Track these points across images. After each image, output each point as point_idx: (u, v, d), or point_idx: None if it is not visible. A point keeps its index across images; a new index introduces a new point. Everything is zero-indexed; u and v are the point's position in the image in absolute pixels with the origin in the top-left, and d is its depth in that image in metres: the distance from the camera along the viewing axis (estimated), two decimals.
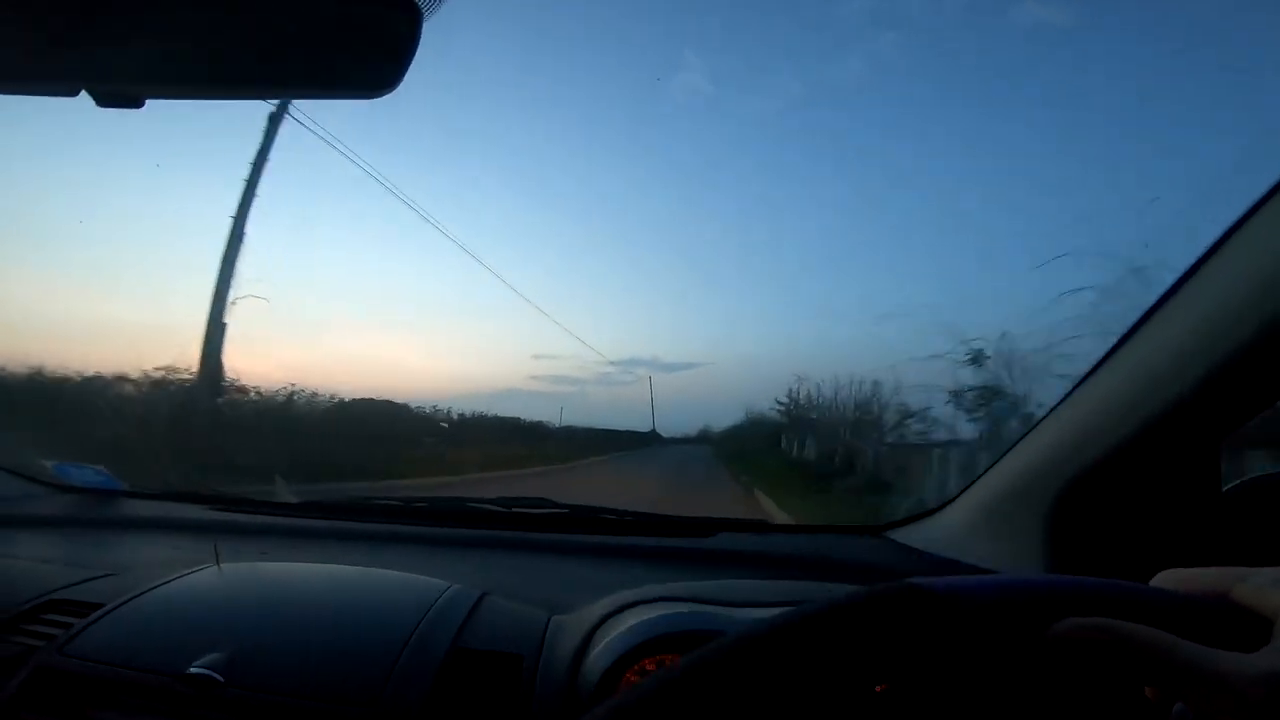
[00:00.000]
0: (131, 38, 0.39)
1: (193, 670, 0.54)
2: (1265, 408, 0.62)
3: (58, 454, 1.18)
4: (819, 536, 1.05)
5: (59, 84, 0.41)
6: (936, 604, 0.26)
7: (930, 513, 0.97)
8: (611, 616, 0.64)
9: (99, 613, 0.62)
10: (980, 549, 0.84)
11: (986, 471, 0.87)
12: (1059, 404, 0.76)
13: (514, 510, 1.08)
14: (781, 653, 0.25)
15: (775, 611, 0.63)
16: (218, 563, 0.73)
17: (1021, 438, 0.82)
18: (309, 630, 0.61)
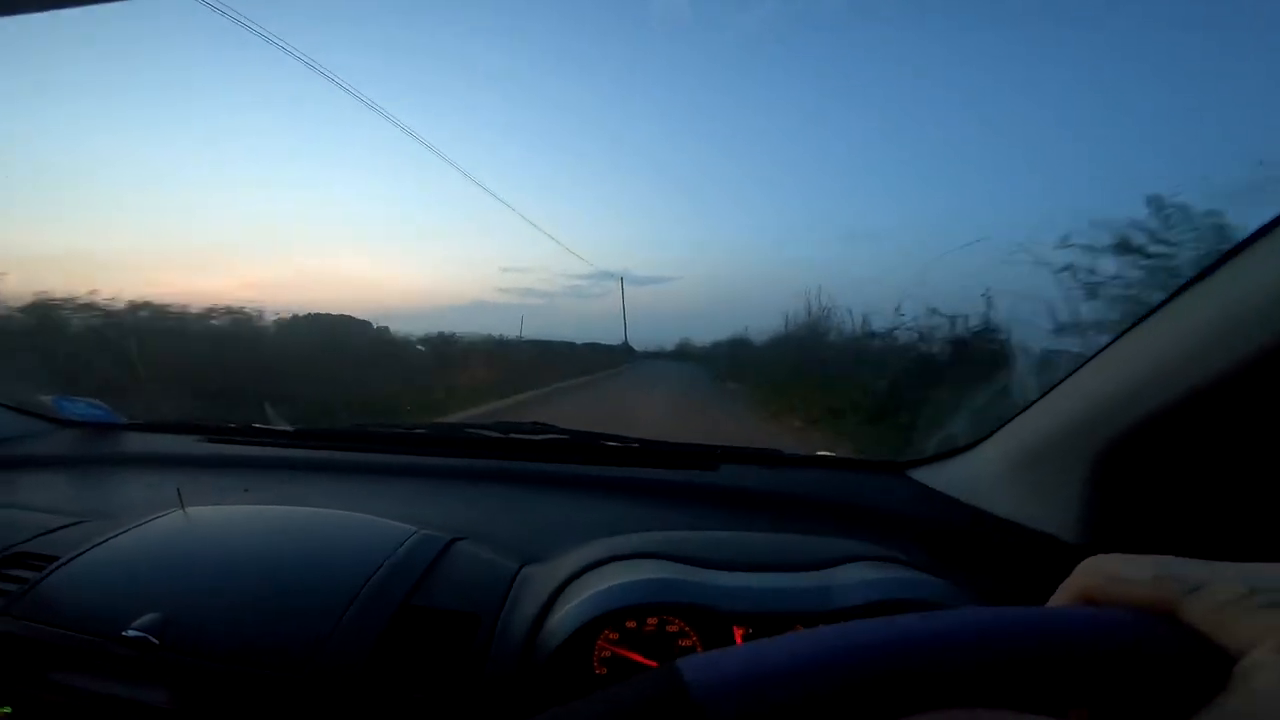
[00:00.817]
0: None
1: (128, 633, 0.51)
2: None
3: (56, 389, 1.17)
4: (834, 472, 0.98)
5: None
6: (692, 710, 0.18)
7: (957, 451, 0.89)
8: (583, 573, 0.59)
9: (52, 567, 0.60)
10: (1007, 500, 0.77)
11: (1024, 411, 0.78)
12: (1114, 341, 0.67)
13: (510, 436, 1.03)
14: None
15: (759, 578, 0.57)
16: (182, 507, 0.71)
17: (1066, 377, 0.72)
18: (256, 585, 0.58)
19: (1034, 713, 0.18)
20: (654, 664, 0.52)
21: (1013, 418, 0.79)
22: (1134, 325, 0.64)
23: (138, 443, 1.10)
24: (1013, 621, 0.20)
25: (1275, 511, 0.60)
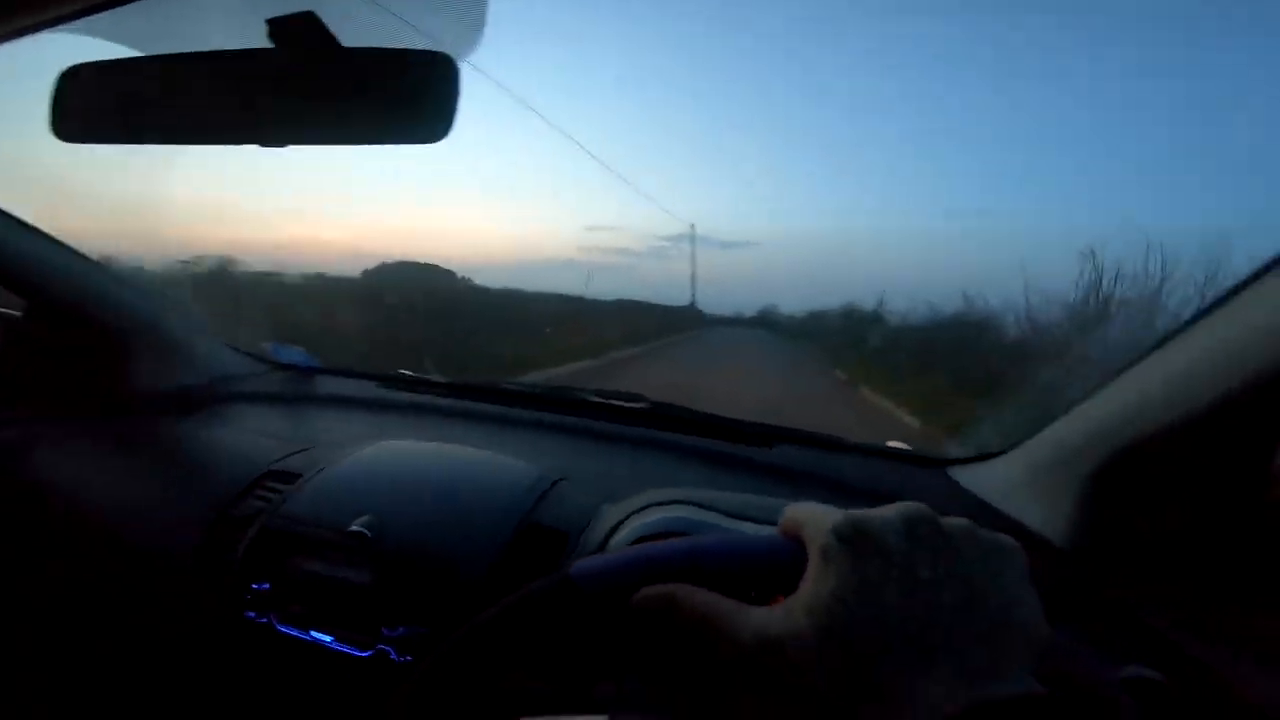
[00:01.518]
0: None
1: (352, 529, 0.78)
2: None
3: (265, 336, 1.54)
4: (882, 462, 1.12)
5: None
6: (571, 591, 0.34)
7: (994, 455, 0.98)
8: (642, 510, 0.81)
9: (298, 483, 0.89)
10: (1023, 504, 0.87)
11: (1052, 423, 0.86)
12: (1130, 366, 0.75)
13: (609, 402, 1.28)
14: (475, 652, 0.34)
15: (758, 528, 0.76)
16: (379, 442, 1.00)
17: (1089, 394, 0.80)
18: (433, 499, 0.85)
19: (743, 595, 0.34)
20: None
21: (1044, 428, 0.88)
22: (1150, 351, 0.73)
23: (330, 385, 1.43)
24: (737, 540, 0.37)
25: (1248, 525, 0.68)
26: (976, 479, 0.99)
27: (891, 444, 1.17)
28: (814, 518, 0.34)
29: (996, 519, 0.89)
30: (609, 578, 0.35)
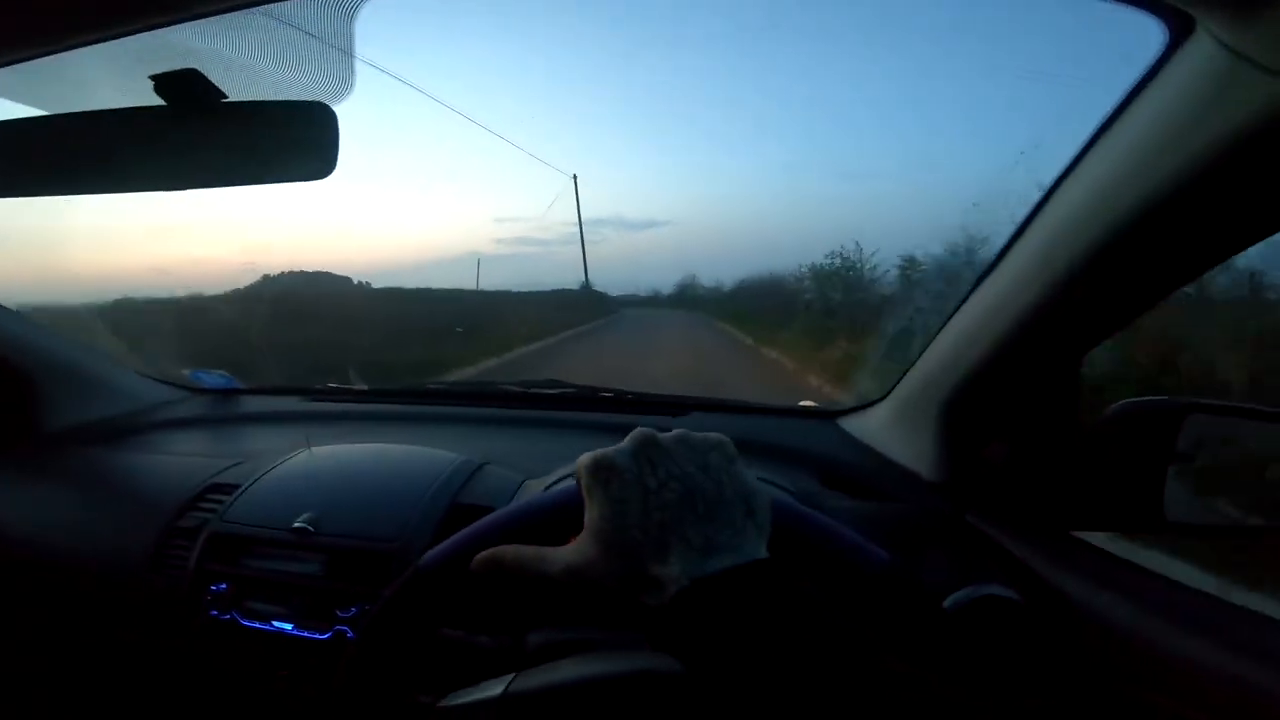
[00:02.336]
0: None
1: (295, 525, 0.85)
2: (1111, 331, 0.69)
3: (188, 363, 1.55)
4: (782, 420, 1.22)
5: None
6: (424, 577, 0.46)
7: (873, 403, 1.10)
8: (562, 479, 0.90)
9: (238, 492, 0.95)
10: (896, 444, 0.98)
11: (911, 367, 0.96)
12: (958, 307, 0.83)
13: (530, 392, 1.36)
14: (378, 639, 0.47)
15: None
16: (309, 448, 1.05)
17: (936, 335, 0.89)
18: (363, 493, 0.92)
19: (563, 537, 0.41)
20: None
21: (906, 372, 0.98)
22: (962, 300, 0.82)
23: (255, 403, 1.46)
24: (536, 499, 0.48)
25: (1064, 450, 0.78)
26: (860, 426, 1.11)
27: (778, 404, 1.29)
28: (579, 464, 0.42)
29: (877, 460, 1.01)
30: (448, 559, 0.45)
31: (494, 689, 0.55)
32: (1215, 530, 0.75)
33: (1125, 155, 0.55)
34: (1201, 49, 0.46)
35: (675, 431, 0.42)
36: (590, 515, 0.39)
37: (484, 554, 0.42)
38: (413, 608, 0.46)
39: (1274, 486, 0.82)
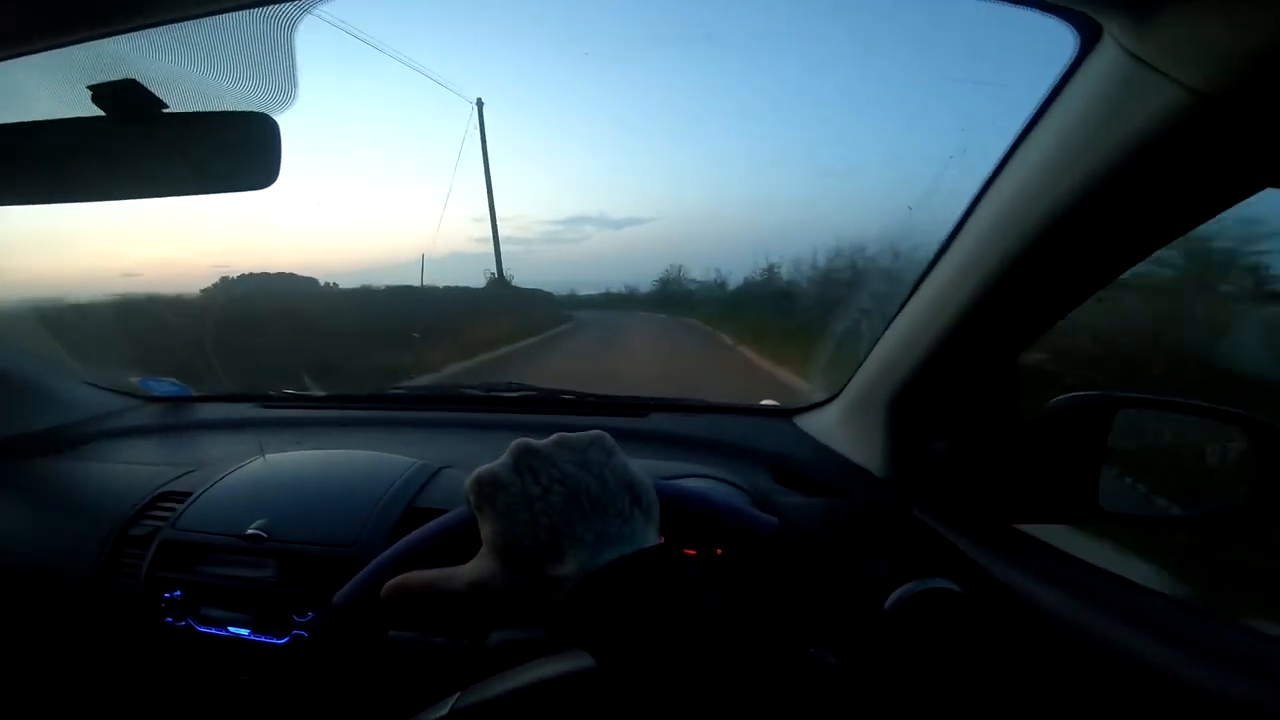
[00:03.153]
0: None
1: (249, 531, 0.85)
2: (1043, 329, 0.71)
3: (137, 370, 1.51)
4: (741, 418, 1.24)
5: None
6: (339, 613, 0.47)
7: (827, 401, 1.11)
8: None
9: (190, 499, 0.94)
10: (847, 441, 1.00)
11: (860, 365, 0.98)
12: (900, 308, 0.85)
13: (491, 394, 1.36)
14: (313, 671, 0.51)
15: None
16: (263, 455, 1.04)
17: (880, 335, 0.91)
18: (318, 499, 0.92)
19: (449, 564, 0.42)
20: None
21: (856, 370, 1.00)
22: (905, 300, 0.84)
23: (208, 411, 1.43)
24: (433, 524, 0.49)
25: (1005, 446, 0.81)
26: (815, 424, 1.13)
27: (736, 403, 1.31)
28: (466, 483, 0.43)
29: (829, 456, 1.03)
30: (360, 593, 0.47)
31: (439, 711, 0.56)
32: (1147, 521, 0.78)
33: (1045, 158, 0.57)
34: (1108, 55, 0.47)
35: (554, 436, 0.44)
36: (484, 531, 0.40)
37: (391, 583, 0.43)
38: (335, 644, 0.49)
39: (1198, 477, 0.87)
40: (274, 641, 0.81)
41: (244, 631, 0.83)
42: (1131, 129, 0.47)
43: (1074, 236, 0.58)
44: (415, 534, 0.49)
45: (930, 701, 0.63)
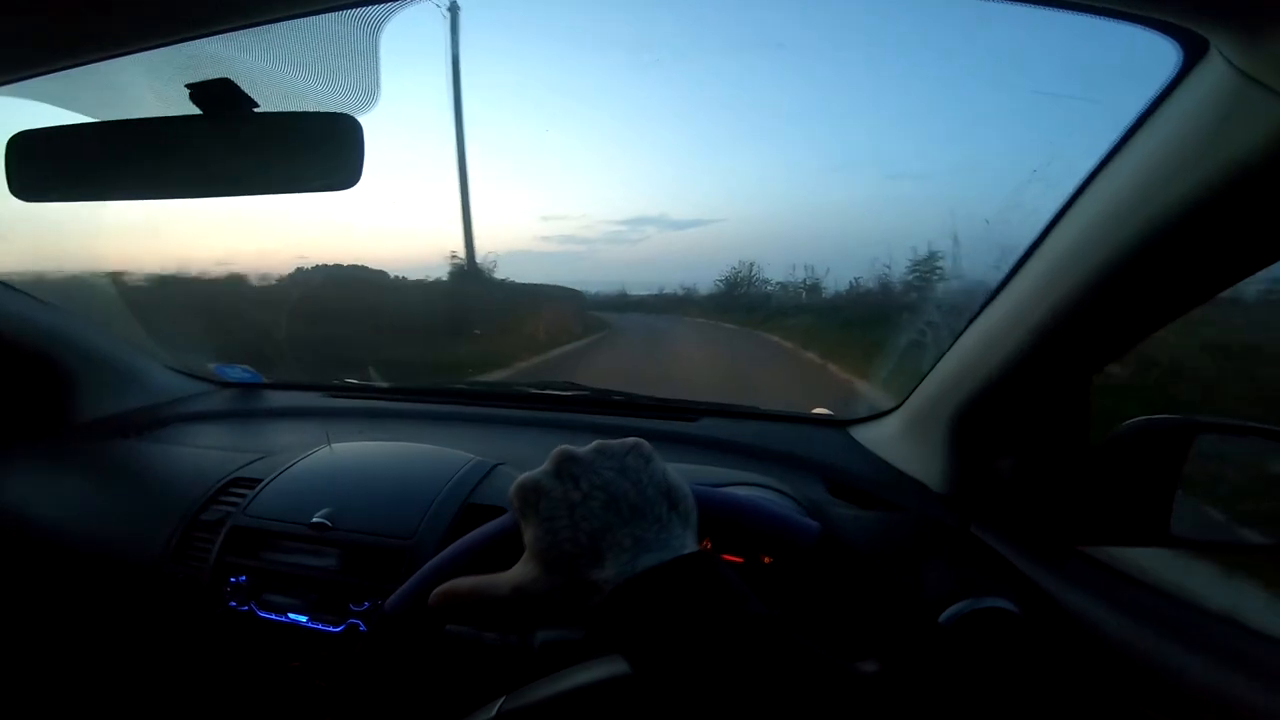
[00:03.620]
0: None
1: (314, 520, 0.88)
2: (1122, 351, 0.69)
3: (212, 356, 1.59)
4: (795, 426, 1.23)
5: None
6: (390, 620, 0.48)
7: (885, 414, 1.10)
8: None
9: (260, 486, 0.97)
10: (905, 455, 0.99)
11: (922, 380, 0.96)
12: (970, 322, 0.83)
13: (546, 393, 1.37)
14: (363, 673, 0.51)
15: None
16: (329, 445, 1.08)
17: (948, 349, 0.89)
18: (380, 490, 0.94)
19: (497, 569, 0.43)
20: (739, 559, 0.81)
21: (919, 383, 0.98)
22: (974, 316, 0.82)
23: (277, 398, 1.49)
24: (480, 532, 0.50)
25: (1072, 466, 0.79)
26: (871, 436, 1.11)
27: (788, 411, 1.29)
28: (510, 491, 0.44)
29: (885, 470, 1.01)
30: (410, 599, 0.49)
31: (487, 714, 0.57)
32: (1220, 546, 0.74)
33: (1139, 174, 0.55)
34: (1214, 71, 0.46)
35: (594, 443, 0.44)
36: (527, 537, 0.41)
37: (439, 590, 0.44)
38: (386, 648, 0.49)
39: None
40: (329, 629, 0.84)
41: (302, 618, 0.85)
42: (1237, 147, 0.45)
43: (1163, 257, 0.55)
44: (461, 541, 0.50)
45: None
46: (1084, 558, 0.77)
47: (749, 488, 0.89)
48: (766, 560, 0.82)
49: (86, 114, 0.63)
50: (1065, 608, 0.71)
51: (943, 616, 0.70)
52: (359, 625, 0.83)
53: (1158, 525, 0.71)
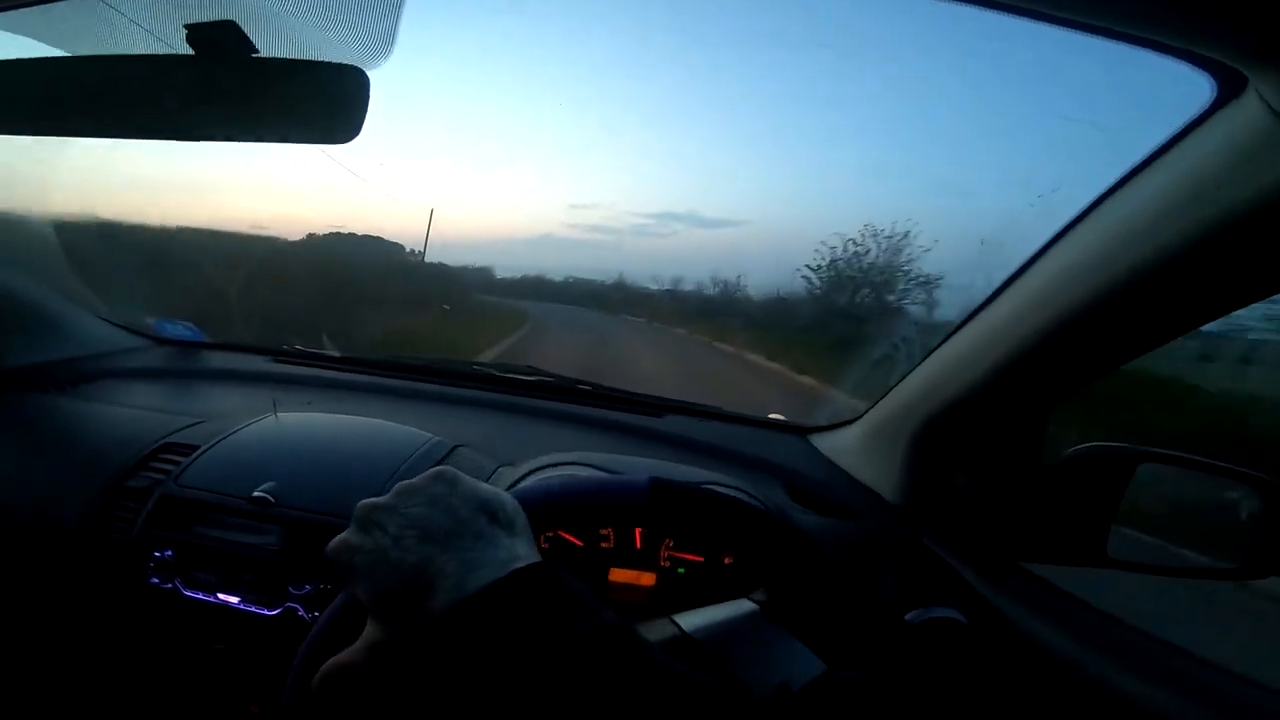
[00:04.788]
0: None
1: (255, 494, 0.82)
2: (1081, 386, 0.71)
3: (151, 310, 1.49)
4: (756, 430, 1.23)
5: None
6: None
7: (846, 423, 1.11)
8: (537, 470, 0.89)
9: (196, 453, 0.91)
10: (863, 465, 1.00)
11: (887, 392, 0.98)
12: (943, 341, 0.85)
13: (508, 376, 1.34)
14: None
15: None
16: (275, 414, 1.02)
17: (908, 372, 0.91)
18: (331, 466, 0.89)
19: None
20: (579, 542, 0.82)
21: (882, 396, 1.00)
22: (958, 328, 0.83)
23: (220, 360, 1.41)
24: (323, 619, 0.47)
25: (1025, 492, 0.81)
26: (830, 444, 1.13)
27: (751, 415, 1.30)
28: (329, 560, 0.42)
29: (843, 479, 1.03)
30: (297, 700, 0.45)
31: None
32: (1152, 569, 0.79)
33: (1145, 206, 0.56)
34: (1248, 109, 0.46)
35: (395, 487, 0.44)
36: (360, 596, 0.40)
37: (315, 680, 0.41)
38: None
39: (1213, 533, 0.87)
40: (263, 613, 0.79)
41: (233, 599, 0.80)
42: (1263, 185, 0.46)
43: (1158, 288, 0.56)
44: (310, 634, 0.47)
45: None
46: (1026, 573, 0.81)
47: (722, 489, 0.89)
48: (727, 561, 0.82)
49: (68, 50, 0.58)
50: (1009, 619, 0.75)
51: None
52: (297, 610, 0.78)
53: (1095, 547, 0.76)
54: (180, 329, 1.45)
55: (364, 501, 0.43)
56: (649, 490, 0.53)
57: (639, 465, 0.92)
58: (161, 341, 1.45)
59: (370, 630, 0.40)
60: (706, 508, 0.54)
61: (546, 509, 0.52)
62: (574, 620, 0.36)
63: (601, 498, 0.54)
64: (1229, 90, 0.47)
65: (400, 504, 0.42)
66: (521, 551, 0.40)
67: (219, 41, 0.53)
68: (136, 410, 1.10)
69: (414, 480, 0.44)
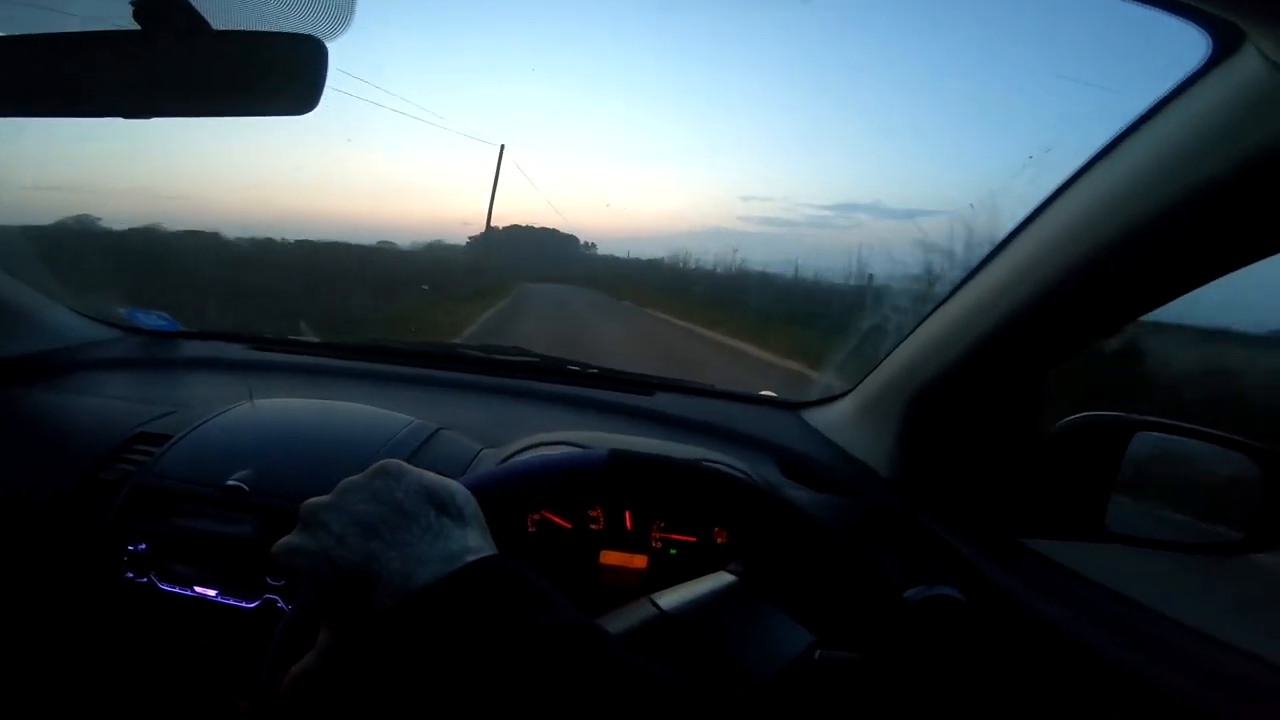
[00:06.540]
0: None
1: (229, 483, 0.80)
2: (1074, 351, 0.71)
3: (125, 301, 1.45)
4: (747, 406, 1.22)
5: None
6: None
7: (838, 397, 1.10)
8: (522, 451, 0.87)
9: (169, 443, 0.88)
10: (857, 440, 0.99)
11: (878, 365, 0.97)
12: (935, 309, 0.84)
13: (492, 357, 1.31)
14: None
15: None
16: (251, 400, 0.99)
17: (907, 336, 0.90)
18: (307, 452, 0.86)
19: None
20: (568, 525, 0.80)
21: (873, 369, 1.00)
22: (948, 296, 0.82)
23: (196, 349, 1.37)
24: (283, 621, 0.45)
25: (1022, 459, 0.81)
26: (822, 419, 1.12)
27: (741, 391, 1.28)
28: (278, 564, 0.40)
29: (836, 454, 1.02)
30: (270, 703, 0.43)
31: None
32: (1154, 544, 0.78)
33: (1142, 165, 0.54)
34: (1245, 64, 0.45)
35: (335, 490, 0.42)
36: (307, 598, 0.40)
37: (285, 687, 0.40)
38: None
39: (1213, 506, 0.86)
40: (242, 605, 0.76)
41: (211, 592, 0.77)
42: (1263, 139, 0.44)
43: (1148, 252, 0.55)
44: (271, 644, 0.45)
45: (929, 707, 0.62)
46: (1025, 549, 0.80)
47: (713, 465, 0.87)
48: (720, 541, 0.80)
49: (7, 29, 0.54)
50: (1008, 596, 0.74)
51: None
52: (276, 601, 0.75)
53: (1094, 521, 0.74)
54: (153, 319, 1.41)
55: (308, 501, 0.41)
56: (608, 462, 0.51)
57: (624, 444, 0.90)
58: (134, 331, 1.41)
59: (322, 636, 0.39)
60: (667, 477, 0.52)
61: (500, 493, 0.49)
62: (530, 617, 0.34)
63: (557, 474, 0.51)
64: (1226, 46, 0.46)
65: (343, 501, 0.40)
66: (473, 543, 0.39)
67: (164, 15, 0.49)
68: (109, 400, 1.07)
69: (356, 476, 0.42)
